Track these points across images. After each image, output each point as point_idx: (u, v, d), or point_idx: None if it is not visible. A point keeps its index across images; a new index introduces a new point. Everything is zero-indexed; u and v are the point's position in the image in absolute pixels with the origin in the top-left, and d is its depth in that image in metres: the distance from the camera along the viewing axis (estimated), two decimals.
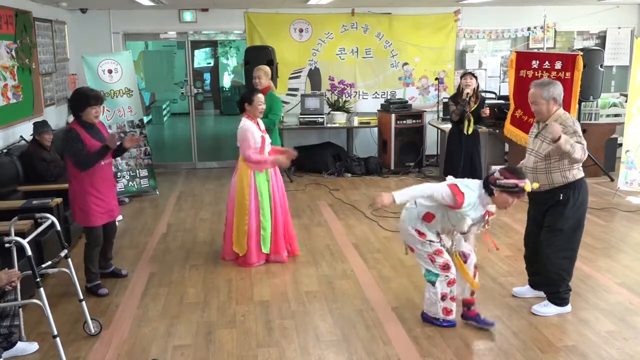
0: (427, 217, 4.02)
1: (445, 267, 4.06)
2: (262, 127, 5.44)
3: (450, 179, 4.04)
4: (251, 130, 5.23)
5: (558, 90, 4.18)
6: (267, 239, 5.43)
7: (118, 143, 4.82)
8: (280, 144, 6.21)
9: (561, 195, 4.16)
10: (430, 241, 4.04)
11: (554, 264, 4.27)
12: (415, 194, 3.96)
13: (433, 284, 4.11)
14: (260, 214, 5.36)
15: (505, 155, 9.02)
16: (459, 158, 6.67)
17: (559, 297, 4.35)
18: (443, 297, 4.12)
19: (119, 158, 7.69)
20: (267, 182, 5.39)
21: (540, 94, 4.15)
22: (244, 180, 5.35)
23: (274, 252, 5.50)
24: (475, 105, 6.62)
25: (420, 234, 4.05)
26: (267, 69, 6.25)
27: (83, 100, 4.60)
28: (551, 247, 4.25)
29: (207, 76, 17.44)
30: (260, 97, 5.35)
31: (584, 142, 4.08)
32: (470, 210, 3.86)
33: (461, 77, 6.80)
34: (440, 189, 3.88)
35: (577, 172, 4.18)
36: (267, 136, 5.42)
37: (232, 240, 5.47)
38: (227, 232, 5.57)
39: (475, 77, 6.71)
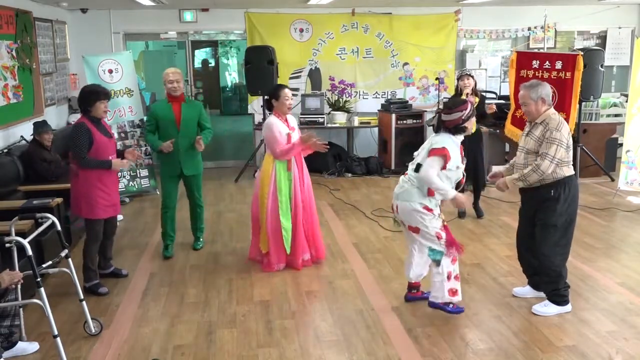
0: (431, 191, 4.16)
1: (450, 244, 4.21)
2: (292, 124, 5.28)
3: (419, 157, 4.25)
4: (276, 125, 5.13)
5: (546, 90, 4.26)
6: (289, 239, 5.24)
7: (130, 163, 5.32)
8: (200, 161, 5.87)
9: (552, 191, 4.21)
10: (438, 214, 4.22)
11: (549, 259, 4.29)
12: (440, 187, 4.12)
13: (438, 263, 4.21)
14: (280, 214, 5.19)
15: (505, 155, 9.02)
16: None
17: (559, 294, 4.36)
18: (449, 276, 4.22)
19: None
20: (288, 182, 5.22)
21: (529, 94, 4.25)
22: (264, 179, 5.23)
23: (292, 254, 5.33)
24: (476, 104, 6.62)
25: (428, 209, 4.17)
26: (180, 71, 5.67)
27: (93, 95, 4.75)
28: (545, 243, 4.28)
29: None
30: (287, 92, 5.18)
31: (552, 153, 4.10)
32: (454, 155, 4.14)
33: (458, 79, 6.81)
34: (432, 167, 4.09)
35: (567, 170, 4.23)
36: (294, 134, 5.21)
37: (258, 238, 5.38)
38: (254, 230, 5.46)
39: (472, 77, 6.72)
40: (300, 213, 5.26)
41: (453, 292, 4.26)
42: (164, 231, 5.79)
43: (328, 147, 5.25)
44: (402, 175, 4.40)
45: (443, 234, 4.21)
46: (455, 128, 4.18)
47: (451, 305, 4.29)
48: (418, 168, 4.18)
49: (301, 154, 5.30)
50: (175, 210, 5.82)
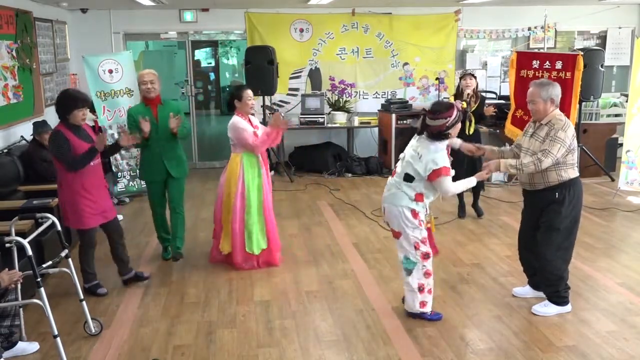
0: (419, 197, 4.11)
1: (425, 257, 4.18)
2: (255, 122, 5.35)
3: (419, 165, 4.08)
4: (241, 122, 5.18)
5: (556, 91, 4.22)
6: (253, 238, 5.27)
7: (109, 144, 4.83)
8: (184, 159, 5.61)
9: (557, 194, 4.18)
10: (422, 221, 4.15)
11: (552, 263, 4.27)
12: (462, 189, 4.25)
13: (409, 272, 4.20)
14: (246, 212, 5.24)
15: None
16: (461, 159, 6.66)
17: (559, 295, 4.36)
18: (421, 289, 4.21)
19: (118, 157, 7.70)
20: (258, 179, 5.27)
21: (539, 93, 4.19)
22: (231, 179, 5.26)
23: (275, 250, 5.40)
24: (476, 105, 6.62)
25: (415, 214, 4.12)
26: (155, 72, 5.44)
27: (70, 102, 4.51)
28: (548, 247, 4.26)
29: (211, 75, 17.36)
30: (249, 92, 5.24)
31: (555, 152, 4.06)
32: (449, 163, 4.08)
33: (460, 78, 6.80)
34: (447, 186, 4.04)
35: (572, 172, 4.20)
36: (259, 132, 5.27)
37: (220, 239, 5.42)
38: (217, 230, 5.50)
39: (475, 77, 6.72)
40: (271, 210, 5.38)
41: (423, 304, 4.24)
42: (159, 235, 5.74)
43: (287, 125, 5.32)
44: (389, 178, 4.29)
45: (422, 246, 4.15)
46: (438, 134, 4.04)
47: (428, 313, 4.29)
48: (407, 178, 4.09)
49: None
50: (165, 213, 5.69)
